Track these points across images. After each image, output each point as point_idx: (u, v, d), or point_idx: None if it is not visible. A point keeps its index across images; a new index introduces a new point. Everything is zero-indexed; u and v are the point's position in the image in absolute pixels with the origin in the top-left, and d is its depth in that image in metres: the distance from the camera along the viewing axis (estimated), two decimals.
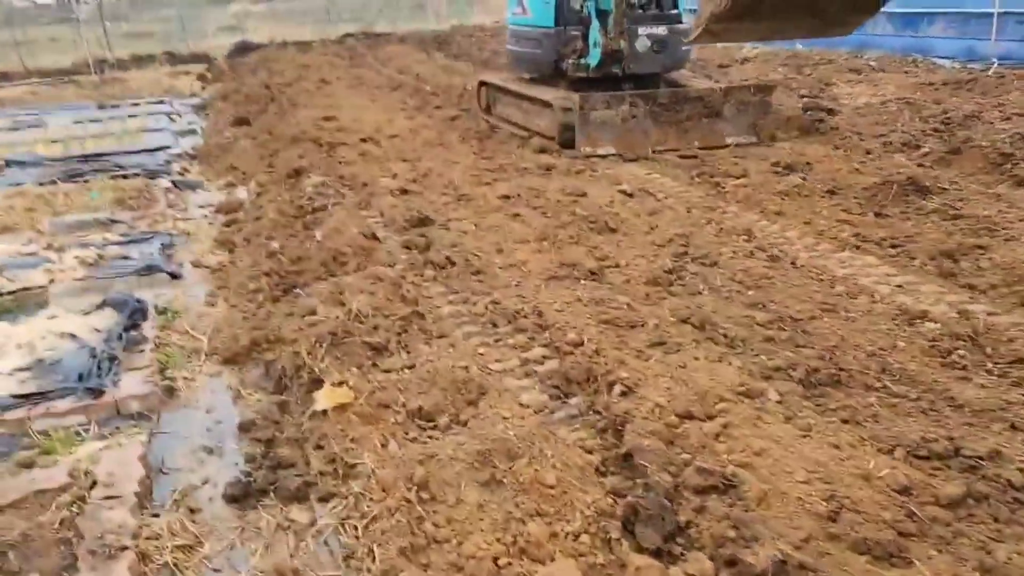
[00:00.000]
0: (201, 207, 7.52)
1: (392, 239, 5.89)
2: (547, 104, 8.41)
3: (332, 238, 5.71)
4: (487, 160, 8.22)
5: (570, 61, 8.70)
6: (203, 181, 8.42)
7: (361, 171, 7.96)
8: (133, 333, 4.49)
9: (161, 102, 14.58)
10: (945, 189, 6.17)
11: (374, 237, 5.79)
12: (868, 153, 7.54)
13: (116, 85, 16.85)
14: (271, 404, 3.81)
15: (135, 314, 4.71)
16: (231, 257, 6.06)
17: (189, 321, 4.89)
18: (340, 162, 8.51)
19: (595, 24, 8.23)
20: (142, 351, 4.34)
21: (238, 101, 13.42)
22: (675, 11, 8.81)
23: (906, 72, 11.89)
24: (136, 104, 14.20)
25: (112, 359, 4.15)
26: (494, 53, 18.05)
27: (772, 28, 7.68)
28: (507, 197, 6.60)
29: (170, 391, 4.04)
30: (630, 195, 6.44)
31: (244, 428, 3.66)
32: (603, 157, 7.79)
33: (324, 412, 3.51)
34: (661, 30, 8.40)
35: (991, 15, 12.08)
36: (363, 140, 9.67)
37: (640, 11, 8.57)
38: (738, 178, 6.78)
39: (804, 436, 3.04)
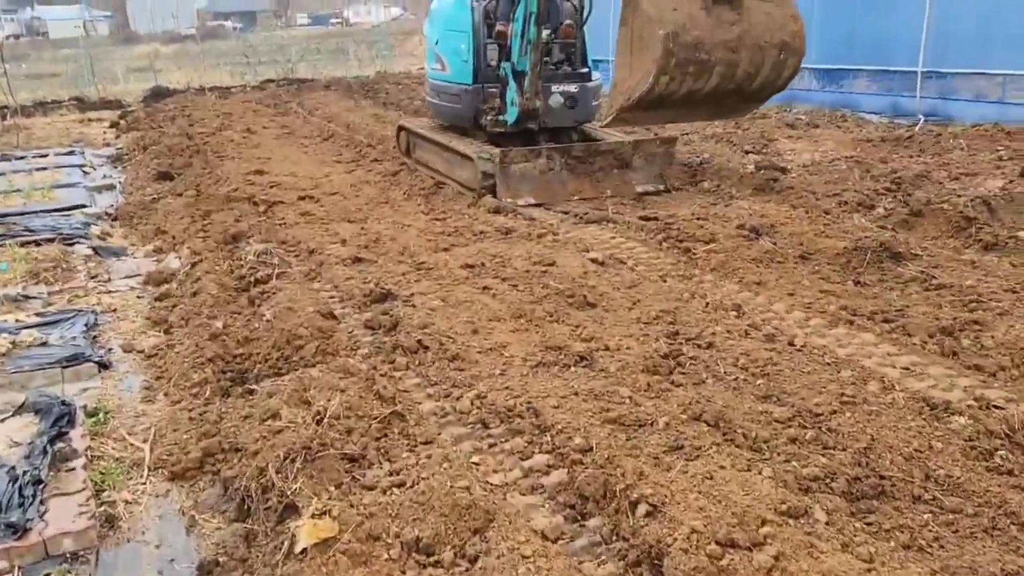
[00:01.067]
0: (128, 278, 6.84)
1: (352, 317, 5.39)
2: (468, 157, 8.72)
3: (284, 318, 5.17)
4: (439, 222, 7.81)
5: (488, 118, 9.07)
6: (127, 247, 7.71)
7: (305, 235, 7.43)
8: (60, 445, 3.85)
9: (72, 152, 13.63)
10: (918, 255, 6.07)
11: (332, 316, 5.27)
12: (827, 214, 7.47)
13: (19, 133, 15.73)
14: (235, 536, 3.25)
15: (61, 420, 4.06)
16: (168, 339, 5.43)
17: (125, 424, 4.26)
18: (280, 224, 7.96)
19: (512, 84, 8.60)
20: (72, 468, 3.70)
21: (159, 152, 12.65)
22: (585, 69, 9.33)
23: (839, 127, 12.13)
24: (43, 155, 13.21)
25: (37, 482, 3.51)
26: (424, 102, 17.79)
27: (676, 115, 8.19)
28: (471, 266, 6.18)
29: (110, 521, 3.42)
30: (601, 263, 6.12)
31: (205, 570, 3.09)
32: (523, 207, 8.14)
33: (304, 551, 2.98)
34: (573, 87, 8.94)
35: (915, 73, 12.48)
36: (302, 198, 9.14)
37: (553, 68, 9.04)
38: (707, 243, 6.55)
39: (868, 570, 2.69)
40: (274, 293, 5.79)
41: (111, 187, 10.77)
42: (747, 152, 10.38)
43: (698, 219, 7.34)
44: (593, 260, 6.16)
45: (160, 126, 16.37)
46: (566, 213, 7.93)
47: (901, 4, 12.61)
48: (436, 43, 10.00)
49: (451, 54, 9.59)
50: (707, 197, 8.35)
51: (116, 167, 12.68)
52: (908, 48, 12.36)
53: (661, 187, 8.62)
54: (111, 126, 17.79)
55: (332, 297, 5.77)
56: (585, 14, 9.19)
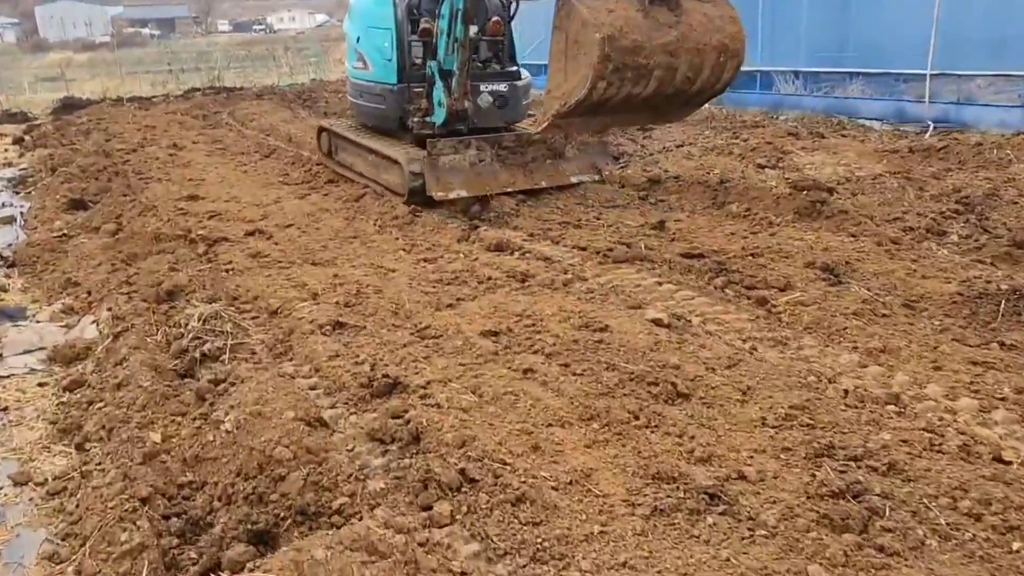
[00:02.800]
0: (27, 353, 5.13)
1: (348, 422, 3.84)
2: (395, 160, 8.31)
3: (252, 428, 3.62)
4: (429, 263, 6.29)
5: (415, 119, 8.64)
6: (27, 306, 5.96)
7: (261, 286, 5.82)
8: None
9: None
10: None
11: (320, 423, 3.73)
12: (895, 243, 6.24)
13: None
14: None
15: None
16: (82, 460, 3.80)
17: None
18: (227, 271, 6.32)
19: (439, 84, 8.18)
20: None
21: (71, 175, 10.75)
22: (514, 68, 9.05)
23: (844, 136, 11.03)
24: None
25: None
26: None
27: (613, 121, 7.68)
28: (494, 333, 4.69)
29: None
30: (667, 326, 4.70)
31: None
32: (454, 201, 7.84)
33: None
34: (502, 87, 8.67)
35: (923, 76, 11.50)
36: (250, 233, 7.49)
37: (481, 67, 8.71)
38: (782, 290, 5.22)
39: None
40: (233, 384, 4.21)
41: (9, 220, 8.88)
42: (762, 166, 9.15)
43: (751, 255, 6.02)
44: (655, 322, 4.73)
45: (72, 142, 14.34)
46: (583, 249, 6.50)
47: (907, 1, 11.60)
48: (357, 40, 9.42)
49: (374, 52, 9.07)
50: (741, 223, 7.05)
51: (18, 192, 10.73)
52: (913, 49, 11.36)
53: (596, 177, 8.52)
54: (14, 142, 15.63)
55: (314, 389, 4.20)
56: (513, 10, 8.92)
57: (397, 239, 7.23)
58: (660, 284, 5.59)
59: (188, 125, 16.79)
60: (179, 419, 4.01)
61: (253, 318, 5.27)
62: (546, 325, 4.75)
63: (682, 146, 10.88)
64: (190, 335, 4.91)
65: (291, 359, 4.60)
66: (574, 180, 8.43)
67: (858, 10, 12.27)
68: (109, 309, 5.45)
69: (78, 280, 6.22)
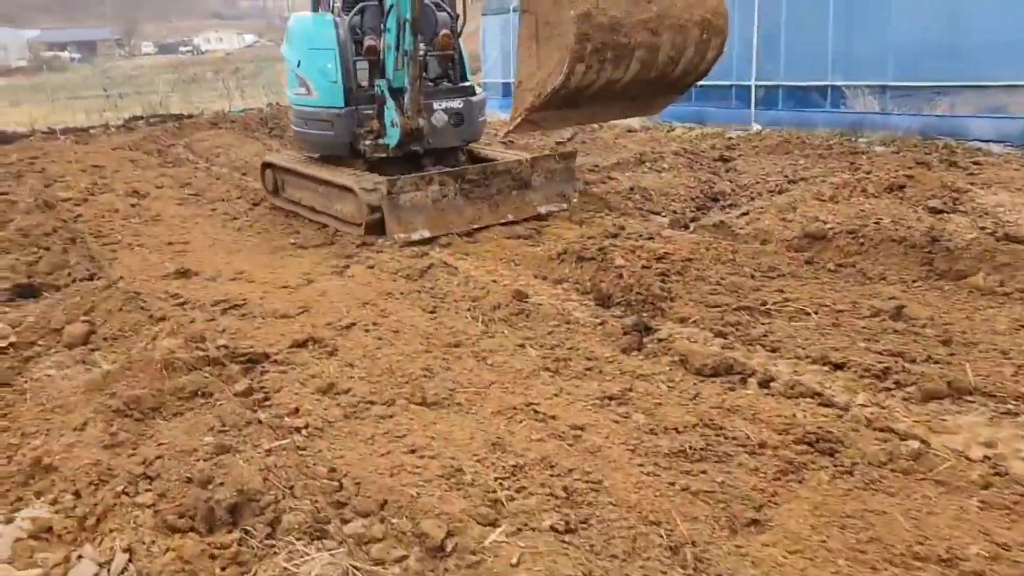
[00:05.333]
0: None
1: None
2: (349, 189, 7.77)
3: None
4: (619, 402, 4.00)
5: (367, 143, 8.23)
6: None
7: (371, 470, 3.45)
8: None
9: None
10: None
11: None
12: None
13: None
14: None
15: None
16: None
17: None
18: (299, 431, 3.90)
19: (390, 103, 7.87)
20: None
21: (9, 242, 8.11)
22: (467, 83, 8.78)
23: (999, 166, 9.03)
24: None
25: None
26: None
27: (588, 115, 7.31)
28: None
29: None
30: None
31: None
32: (418, 243, 7.29)
33: None
34: (457, 103, 8.43)
35: None
36: (299, 344, 5.08)
37: (432, 84, 8.45)
38: None
39: None
40: None
41: None
42: (937, 211, 7.09)
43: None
44: None
45: (3, 192, 11.52)
46: (839, 367, 4.30)
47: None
48: (298, 65, 8.81)
49: (316, 75, 8.54)
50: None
51: None
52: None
53: (564, 206, 8.10)
54: None
55: None
56: (461, 23, 8.64)
57: (523, 346, 4.91)
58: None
59: (143, 163, 14.07)
60: None
61: (399, 560, 2.89)
62: None
63: (794, 181, 8.81)
64: None
65: None
66: (542, 210, 7.98)
67: (971, 9, 10.39)
68: (126, 551, 2.99)
69: (53, 463, 3.71)
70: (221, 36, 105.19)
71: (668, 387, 4.16)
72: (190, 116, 22.43)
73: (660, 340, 4.67)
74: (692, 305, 5.37)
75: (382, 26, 7.76)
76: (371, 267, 6.78)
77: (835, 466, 3.34)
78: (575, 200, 8.26)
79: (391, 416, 4.06)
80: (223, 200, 10.45)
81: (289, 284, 6.42)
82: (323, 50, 8.43)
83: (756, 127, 12.99)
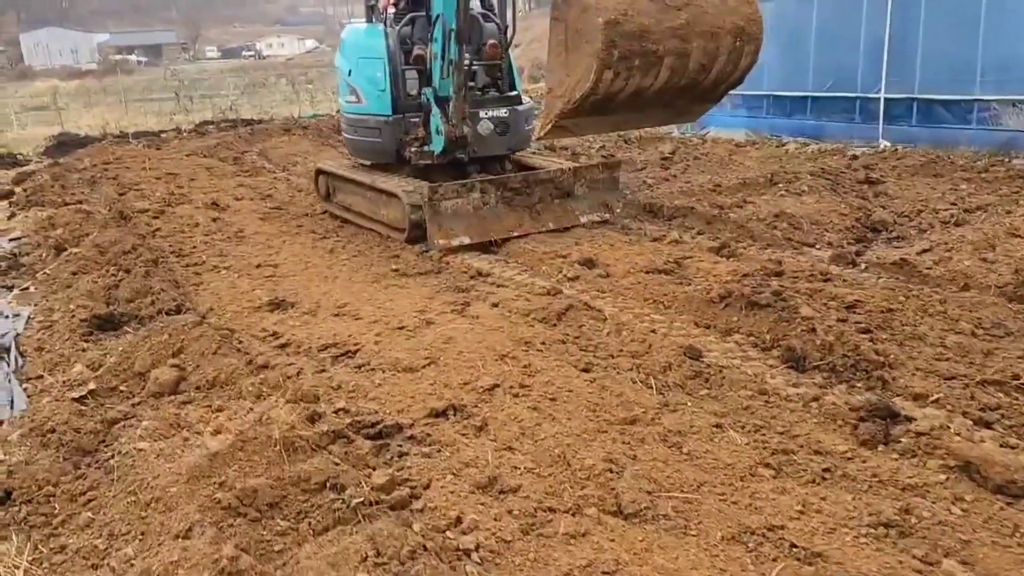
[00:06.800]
0: None
1: None
2: (393, 195, 7.91)
3: None
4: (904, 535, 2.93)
5: (412, 149, 8.36)
6: None
7: None
8: None
9: None
10: None
11: None
12: None
13: None
14: None
15: None
16: None
17: None
18: None
19: (436, 111, 7.89)
20: None
21: (86, 260, 7.37)
22: (514, 92, 8.74)
23: None
24: None
25: None
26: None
27: (623, 121, 7.39)
28: None
29: None
30: None
31: None
32: (457, 249, 7.26)
33: None
34: (503, 112, 8.40)
35: None
36: (439, 413, 4.11)
37: (480, 94, 8.43)
38: None
39: None
40: None
41: None
42: None
43: None
44: None
45: (78, 200, 10.91)
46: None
47: None
48: (349, 74, 9.02)
49: (366, 84, 8.73)
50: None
51: (10, 288, 7.33)
52: None
53: (607, 216, 8.01)
54: (3, 197, 12.21)
55: None
56: (511, 34, 8.60)
57: (720, 427, 3.87)
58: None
59: (218, 171, 13.40)
60: None
61: None
62: None
63: (970, 211, 7.61)
64: None
65: None
66: (584, 220, 7.90)
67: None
68: None
69: None
70: (283, 41, 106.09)
71: (962, 511, 3.07)
72: (260, 121, 21.93)
73: (918, 433, 3.57)
74: (921, 375, 4.27)
75: (429, 35, 7.84)
76: (495, 305, 5.81)
77: None
78: (619, 210, 8.10)
79: (583, 534, 3.06)
80: (307, 215, 9.64)
81: (405, 325, 5.47)
82: (373, 59, 8.60)
83: (884, 144, 11.74)
